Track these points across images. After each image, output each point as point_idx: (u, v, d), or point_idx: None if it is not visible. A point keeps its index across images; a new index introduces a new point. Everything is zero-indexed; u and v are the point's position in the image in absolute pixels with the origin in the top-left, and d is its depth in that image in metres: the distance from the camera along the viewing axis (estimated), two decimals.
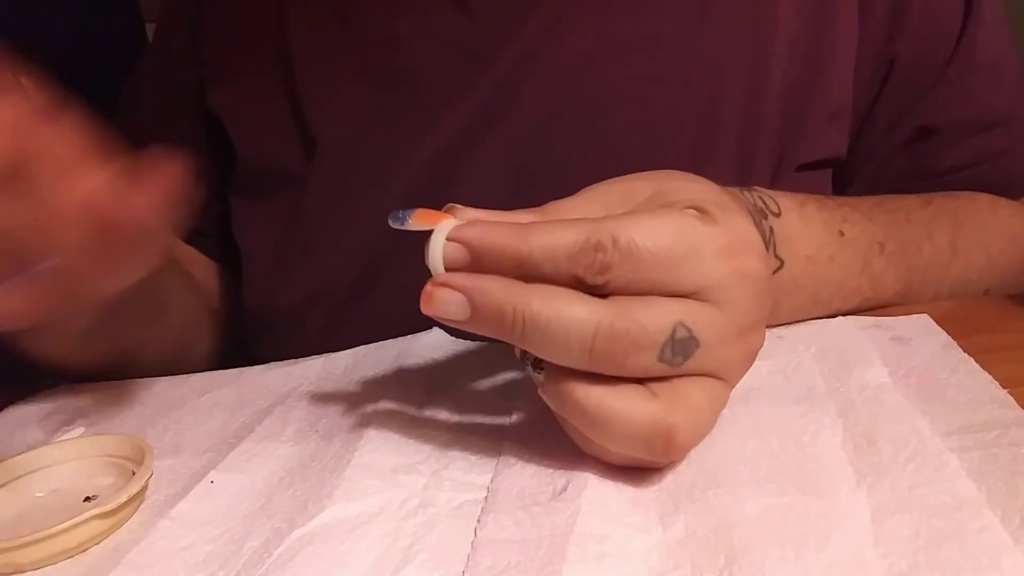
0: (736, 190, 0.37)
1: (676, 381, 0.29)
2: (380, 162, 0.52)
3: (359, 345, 0.49)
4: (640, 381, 0.29)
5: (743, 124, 0.49)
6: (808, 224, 0.41)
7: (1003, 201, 0.52)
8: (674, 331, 0.28)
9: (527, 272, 0.29)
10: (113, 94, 0.66)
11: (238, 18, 0.58)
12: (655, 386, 0.29)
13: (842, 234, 0.42)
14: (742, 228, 0.30)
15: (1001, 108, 0.52)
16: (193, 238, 0.61)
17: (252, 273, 0.56)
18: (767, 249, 0.37)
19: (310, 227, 0.53)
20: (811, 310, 0.42)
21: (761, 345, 0.31)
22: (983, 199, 0.51)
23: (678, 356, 0.28)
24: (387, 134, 0.52)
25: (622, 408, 0.28)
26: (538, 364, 0.30)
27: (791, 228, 0.40)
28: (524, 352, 0.30)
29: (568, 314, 0.28)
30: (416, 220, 0.30)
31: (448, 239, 0.29)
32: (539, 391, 0.31)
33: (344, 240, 0.52)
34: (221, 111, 0.57)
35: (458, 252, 0.29)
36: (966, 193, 0.51)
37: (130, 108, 0.64)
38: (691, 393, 0.29)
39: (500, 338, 0.29)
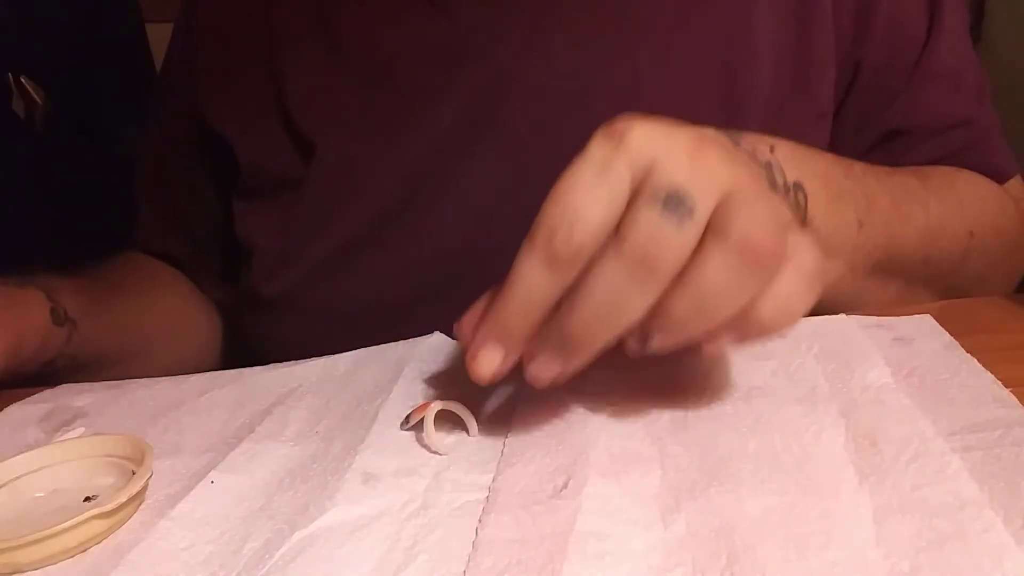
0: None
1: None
2: (373, 164, 0.54)
3: (351, 321, 0.52)
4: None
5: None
6: (804, 148, 0.43)
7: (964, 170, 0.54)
8: (665, 196, 0.28)
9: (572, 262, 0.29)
10: (113, 94, 0.68)
11: (229, 38, 0.60)
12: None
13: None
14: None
15: (960, 113, 0.54)
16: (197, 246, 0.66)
17: (257, 265, 0.58)
18: (775, 176, 0.40)
19: (309, 226, 0.56)
20: (879, 216, 0.44)
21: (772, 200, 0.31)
22: (945, 167, 0.54)
23: (681, 207, 0.28)
24: (377, 137, 0.54)
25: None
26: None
27: (791, 151, 0.41)
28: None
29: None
30: (415, 416, 0.36)
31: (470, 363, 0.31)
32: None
33: (340, 235, 0.55)
34: (220, 126, 0.60)
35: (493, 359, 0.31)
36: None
37: (150, 128, 0.68)
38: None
39: (574, 355, 0.30)
